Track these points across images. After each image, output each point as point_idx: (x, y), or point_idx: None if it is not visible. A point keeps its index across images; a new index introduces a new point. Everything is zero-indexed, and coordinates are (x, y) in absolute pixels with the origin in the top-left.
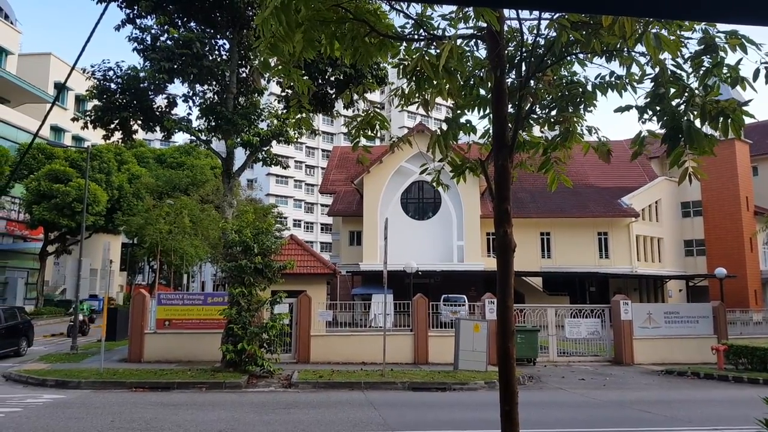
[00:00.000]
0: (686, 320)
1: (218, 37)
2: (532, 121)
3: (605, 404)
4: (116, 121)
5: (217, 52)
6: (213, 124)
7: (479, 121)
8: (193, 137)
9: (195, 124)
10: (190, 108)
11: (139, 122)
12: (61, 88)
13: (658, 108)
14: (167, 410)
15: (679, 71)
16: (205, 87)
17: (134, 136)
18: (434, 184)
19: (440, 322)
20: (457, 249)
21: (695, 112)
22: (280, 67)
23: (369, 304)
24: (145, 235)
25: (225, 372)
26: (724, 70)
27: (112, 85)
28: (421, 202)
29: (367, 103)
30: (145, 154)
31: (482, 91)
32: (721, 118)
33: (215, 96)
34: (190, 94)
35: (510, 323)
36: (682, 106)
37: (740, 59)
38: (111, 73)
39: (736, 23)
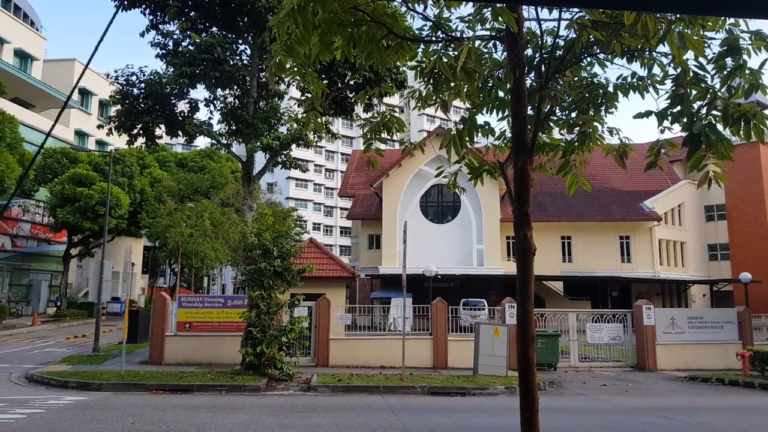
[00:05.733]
0: (710, 326)
1: (239, 41)
2: (552, 123)
3: (628, 411)
4: (139, 126)
5: (238, 57)
6: (234, 128)
7: (498, 122)
8: (214, 141)
9: (216, 128)
10: (211, 112)
11: (162, 126)
12: (74, 89)
13: (678, 109)
14: (187, 413)
15: (701, 72)
16: (226, 91)
17: (157, 141)
18: (450, 187)
19: (460, 327)
20: (476, 253)
21: (717, 115)
22: (295, 69)
23: (388, 307)
24: (167, 238)
25: (244, 375)
26: (746, 73)
27: (135, 90)
28: (440, 206)
29: (383, 105)
30: (166, 158)
31: (501, 93)
32: (743, 122)
33: (236, 100)
34: (211, 99)
35: (530, 328)
36: (704, 109)
37: (765, 61)
38: (134, 78)
39: (759, 17)
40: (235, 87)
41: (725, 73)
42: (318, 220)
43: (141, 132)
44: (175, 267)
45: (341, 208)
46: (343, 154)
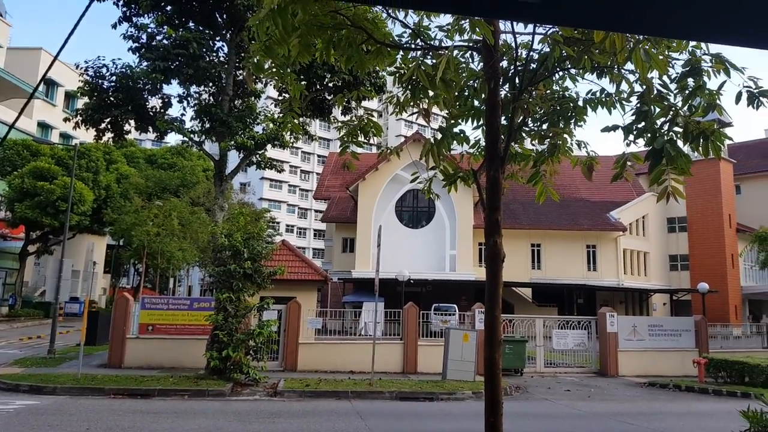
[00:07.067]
0: (670, 333)
1: (217, 38)
2: (524, 134)
3: (589, 415)
4: (107, 120)
5: (214, 54)
6: (207, 125)
7: (473, 131)
8: (186, 138)
9: (189, 125)
10: (184, 109)
11: (131, 122)
12: (41, 80)
13: (642, 125)
14: (146, 418)
15: (665, 90)
16: (201, 88)
17: (126, 136)
18: (425, 192)
19: (430, 332)
20: (449, 258)
21: (678, 132)
22: (274, 69)
23: (360, 312)
24: (132, 237)
25: (209, 379)
26: (706, 93)
27: (105, 83)
28: (415, 211)
29: (362, 109)
30: (135, 154)
31: (476, 102)
32: (702, 139)
33: (211, 97)
34: (185, 95)
35: (497, 333)
36: (666, 125)
37: (723, 83)
38: (104, 70)
39: (720, 43)
40: (211, 84)
41: (687, 92)
42: (292, 222)
43: (109, 126)
44: (140, 267)
45: (316, 211)
46: (319, 156)
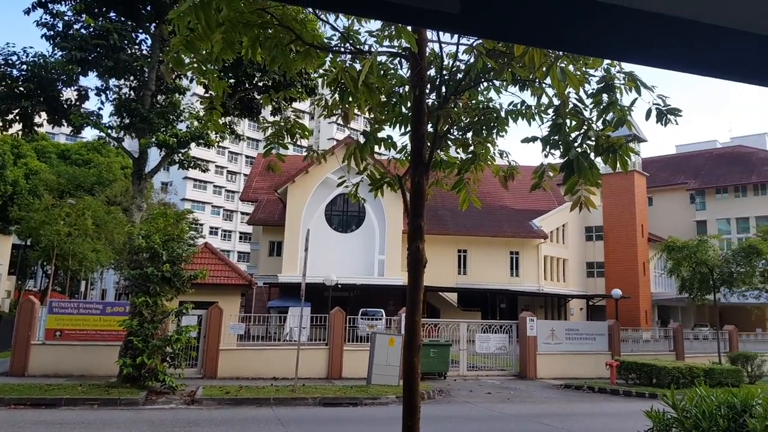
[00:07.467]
0: (585, 337)
1: (139, 30)
2: (450, 142)
3: (508, 417)
4: (16, 111)
5: (137, 46)
6: (127, 121)
7: (400, 137)
8: (103, 134)
9: (107, 119)
10: (102, 103)
11: (43, 114)
12: None
13: (557, 137)
14: (51, 429)
15: (580, 105)
16: (122, 82)
17: (37, 129)
18: (351, 196)
19: (357, 336)
20: (378, 263)
21: (591, 145)
22: (195, 65)
23: (285, 317)
24: (41, 236)
25: (121, 388)
26: (618, 108)
27: (15, 72)
28: (345, 215)
29: (290, 111)
30: (47, 148)
31: (404, 109)
32: (611, 153)
33: (131, 92)
34: (104, 88)
35: (417, 338)
36: (579, 138)
37: (634, 100)
38: (14, 58)
39: (634, 63)
40: (132, 78)
41: (601, 107)
42: (216, 224)
43: (18, 118)
44: (49, 269)
45: (242, 213)
46: (248, 156)
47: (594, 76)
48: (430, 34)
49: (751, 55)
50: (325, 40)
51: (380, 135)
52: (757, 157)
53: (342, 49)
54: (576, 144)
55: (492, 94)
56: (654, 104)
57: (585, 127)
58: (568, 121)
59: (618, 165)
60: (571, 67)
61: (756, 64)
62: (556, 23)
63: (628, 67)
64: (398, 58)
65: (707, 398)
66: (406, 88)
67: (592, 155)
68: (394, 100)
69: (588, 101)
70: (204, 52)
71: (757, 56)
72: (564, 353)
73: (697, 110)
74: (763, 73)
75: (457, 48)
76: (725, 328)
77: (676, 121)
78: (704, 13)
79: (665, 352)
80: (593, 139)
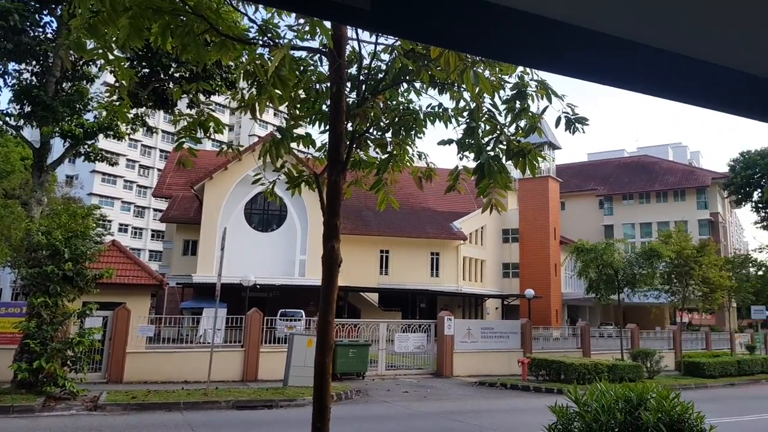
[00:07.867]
0: (499, 335)
1: (44, 12)
2: (369, 142)
3: (424, 415)
4: None
5: (40, 29)
6: (28, 109)
7: (320, 135)
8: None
9: (4, 106)
10: (0, 88)
11: None
12: None
13: (471, 141)
14: None
15: (495, 110)
16: (23, 66)
17: None
18: (267, 195)
19: (275, 338)
20: (299, 263)
21: (503, 149)
22: (100, 51)
23: (199, 318)
24: None
25: (15, 394)
26: (530, 115)
27: None
28: (266, 214)
29: (207, 105)
30: None
31: (324, 107)
32: (521, 157)
33: (34, 77)
34: (2, 72)
35: (329, 338)
36: (492, 142)
37: (545, 108)
38: None
39: (545, 70)
40: (34, 63)
41: (514, 113)
42: (126, 221)
43: None
44: None
45: (155, 210)
46: (162, 150)
47: (509, 82)
48: (350, 31)
49: (650, 67)
50: (246, 33)
51: (299, 132)
52: (660, 166)
53: (259, 42)
54: (489, 148)
55: (412, 95)
56: (563, 113)
57: (498, 132)
58: (481, 125)
59: (527, 169)
60: (487, 73)
61: (652, 75)
62: (463, 24)
63: (542, 75)
64: (318, 55)
65: (607, 393)
66: (328, 85)
67: (503, 159)
68: (313, 97)
69: (502, 107)
70: (110, 37)
71: (653, 68)
72: (479, 351)
73: (610, 119)
74: (650, 83)
75: (375, 47)
76: (628, 327)
77: (583, 129)
78: (604, 24)
79: (573, 350)
80: (505, 143)
